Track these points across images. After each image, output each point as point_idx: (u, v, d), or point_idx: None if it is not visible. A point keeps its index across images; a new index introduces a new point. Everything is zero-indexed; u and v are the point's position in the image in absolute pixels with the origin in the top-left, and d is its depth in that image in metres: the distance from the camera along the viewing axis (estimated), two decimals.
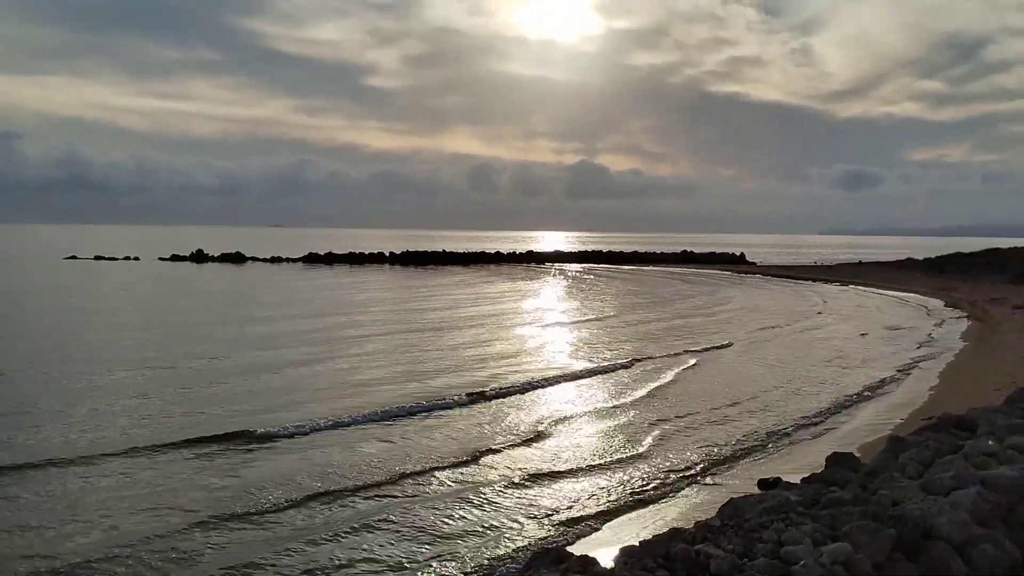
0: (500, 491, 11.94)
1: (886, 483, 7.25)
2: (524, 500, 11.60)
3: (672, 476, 12.72)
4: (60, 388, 18.51)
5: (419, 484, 12.20)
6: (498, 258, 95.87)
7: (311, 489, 11.78)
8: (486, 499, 11.58)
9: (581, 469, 13.08)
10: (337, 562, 9.36)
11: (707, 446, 14.45)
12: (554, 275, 72.37)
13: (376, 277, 65.23)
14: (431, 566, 9.31)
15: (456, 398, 18.03)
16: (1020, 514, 6.81)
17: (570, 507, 11.32)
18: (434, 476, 12.57)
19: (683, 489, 12.23)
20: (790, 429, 15.83)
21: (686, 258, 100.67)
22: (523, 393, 19.06)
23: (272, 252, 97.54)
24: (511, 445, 14.47)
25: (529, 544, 9.86)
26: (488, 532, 10.37)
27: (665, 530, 6.48)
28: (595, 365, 22.79)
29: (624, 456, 13.80)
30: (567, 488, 12.18)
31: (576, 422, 16.35)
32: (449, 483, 12.30)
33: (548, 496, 11.80)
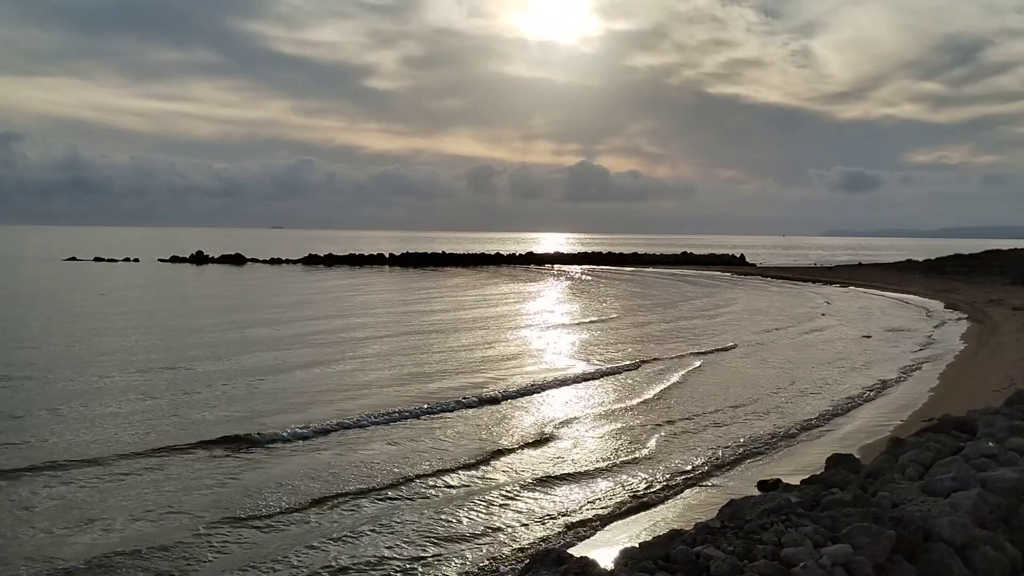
0: (504, 494, 11.94)
1: (886, 485, 7.27)
2: (527, 502, 11.62)
3: (673, 478, 12.73)
4: (60, 390, 18.50)
5: (423, 487, 12.20)
6: (498, 259, 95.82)
7: (315, 492, 11.78)
8: (490, 501, 11.59)
9: (585, 472, 13.08)
10: (338, 564, 9.37)
11: (710, 448, 14.46)
12: (555, 276, 72.36)
13: (376, 278, 65.23)
14: (431, 567, 9.32)
15: (463, 400, 18.01)
16: (1021, 516, 6.83)
17: (573, 509, 11.34)
18: (438, 479, 12.56)
19: (683, 491, 12.24)
20: (791, 431, 15.84)
21: (686, 259, 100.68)
22: (530, 395, 19.03)
23: (272, 253, 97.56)
24: (517, 448, 14.47)
25: (530, 546, 9.88)
26: (490, 534, 10.39)
27: (665, 532, 6.49)
28: (601, 367, 22.76)
29: (628, 459, 13.80)
30: (570, 490, 12.19)
31: (582, 424, 16.34)
32: (454, 486, 12.30)
33: (551, 498, 11.82)
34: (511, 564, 9.34)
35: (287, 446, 14.27)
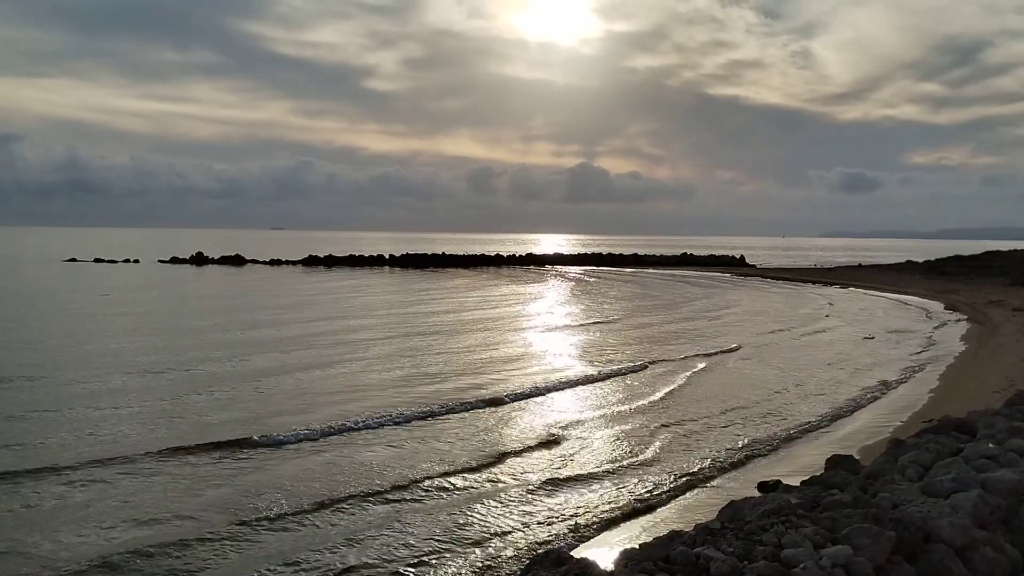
0: (507, 496, 11.96)
1: (886, 486, 7.28)
2: (530, 504, 11.63)
3: (675, 480, 12.75)
4: (61, 391, 18.51)
5: (426, 489, 12.20)
6: (498, 260, 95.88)
7: (318, 494, 11.79)
8: (493, 503, 11.61)
9: (590, 474, 13.07)
10: (339, 565, 9.39)
11: (712, 450, 14.47)
12: (555, 278, 72.37)
13: (377, 280, 65.24)
14: (434, 568, 9.34)
15: (469, 401, 18.02)
16: (1021, 517, 6.84)
17: (575, 511, 11.35)
18: (442, 481, 12.56)
19: (684, 492, 12.25)
20: (792, 432, 15.85)
21: (686, 260, 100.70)
22: (535, 397, 19.01)
23: (272, 254, 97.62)
24: (521, 450, 14.47)
25: (531, 547, 9.89)
26: (492, 535, 10.40)
27: (665, 533, 6.50)
28: (607, 369, 22.76)
29: (631, 462, 13.81)
30: (573, 492, 12.20)
31: (588, 426, 16.31)
32: (457, 488, 12.31)
33: (554, 500, 11.82)
34: (512, 566, 9.36)
35: (289, 448, 14.26)
